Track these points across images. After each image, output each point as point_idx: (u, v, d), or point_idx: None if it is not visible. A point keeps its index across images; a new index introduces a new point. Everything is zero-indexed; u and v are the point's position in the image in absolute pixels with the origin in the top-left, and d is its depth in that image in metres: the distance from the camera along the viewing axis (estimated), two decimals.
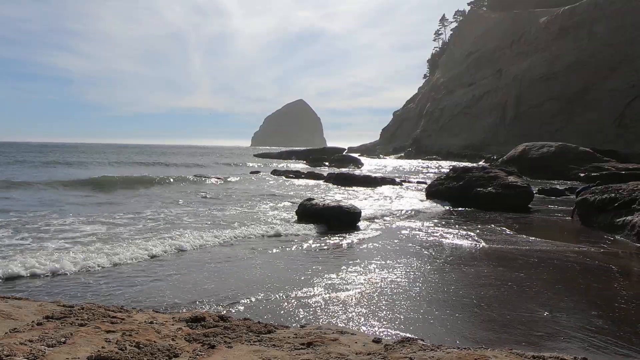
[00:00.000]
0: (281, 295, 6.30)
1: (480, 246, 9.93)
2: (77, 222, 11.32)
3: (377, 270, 7.69)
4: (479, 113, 68.20)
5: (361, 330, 4.94)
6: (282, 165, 48.82)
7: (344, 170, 36.44)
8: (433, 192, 19.36)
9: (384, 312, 5.68)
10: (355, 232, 11.34)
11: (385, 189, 23.93)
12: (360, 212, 12.73)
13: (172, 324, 3.45)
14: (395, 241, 10.33)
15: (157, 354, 2.72)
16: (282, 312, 5.61)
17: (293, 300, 6.07)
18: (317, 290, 6.51)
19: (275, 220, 12.81)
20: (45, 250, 8.15)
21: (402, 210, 15.43)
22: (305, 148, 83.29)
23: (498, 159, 41.23)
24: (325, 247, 9.56)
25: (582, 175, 28.80)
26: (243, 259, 8.38)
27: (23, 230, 10.13)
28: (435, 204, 17.26)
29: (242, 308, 5.71)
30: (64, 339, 2.81)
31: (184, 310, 5.09)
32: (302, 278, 7.12)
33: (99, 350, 2.65)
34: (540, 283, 7.29)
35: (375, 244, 9.92)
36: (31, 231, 10.01)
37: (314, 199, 13.40)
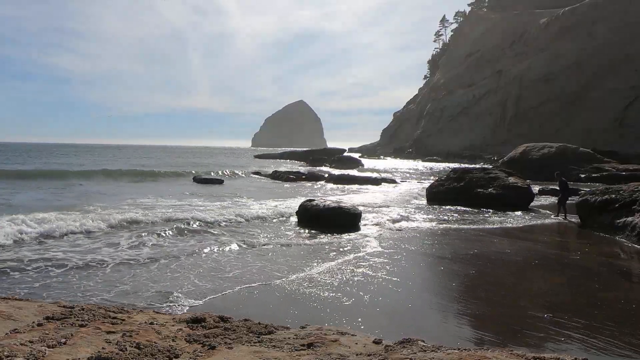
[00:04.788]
0: (281, 295, 6.30)
1: (480, 247, 9.92)
2: None
3: (377, 270, 7.67)
4: (479, 113, 68.23)
5: (362, 331, 4.93)
6: (283, 166, 48.80)
7: (344, 171, 36.45)
8: (434, 193, 19.33)
9: (385, 313, 5.68)
10: (356, 233, 11.33)
11: (386, 190, 23.93)
12: (360, 213, 12.73)
13: (173, 325, 3.46)
14: (395, 242, 10.32)
15: (158, 355, 2.73)
16: (281, 312, 5.60)
17: (293, 301, 6.07)
18: (317, 290, 6.51)
19: (275, 220, 12.79)
20: None
21: (401, 210, 15.42)
22: (305, 149, 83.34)
23: (498, 160, 41.22)
24: (325, 248, 9.55)
25: (582, 176, 28.79)
26: (240, 258, 8.37)
27: None
28: (435, 205, 17.26)
29: (242, 308, 5.70)
30: (64, 340, 2.81)
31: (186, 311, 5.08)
32: (301, 277, 7.11)
33: (99, 351, 2.65)
34: (541, 284, 7.29)
35: (375, 245, 9.90)
36: None
37: (314, 200, 13.39)
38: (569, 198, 15.28)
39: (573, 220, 14.00)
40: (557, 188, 15.65)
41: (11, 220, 9.85)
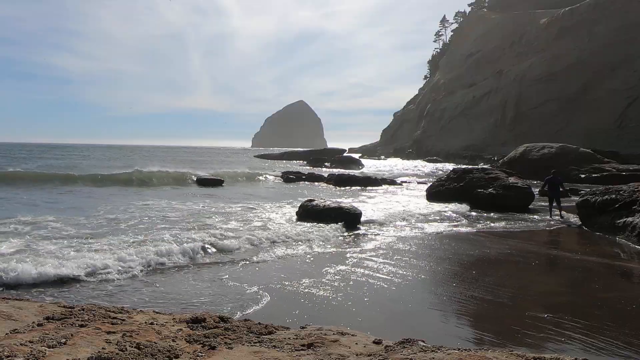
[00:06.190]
0: (280, 296, 6.29)
1: (480, 248, 9.92)
2: None
3: (377, 271, 7.67)
4: (479, 114, 68.20)
5: (362, 331, 4.93)
6: (283, 166, 48.83)
7: (344, 171, 36.43)
8: (434, 193, 19.35)
9: (385, 313, 5.68)
10: (355, 233, 11.33)
11: (386, 190, 23.93)
12: (360, 213, 12.73)
13: (173, 325, 3.46)
14: (395, 242, 10.32)
15: (158, 355, 2.73)
16: (281, 312, 5.60)
17: (293, 301, 6.07)
18: (318, 291, 6.51)
19: (276, 221, 12.79)
20: None
21: (402, 211, 15.41)
22: (305, 149, 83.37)
23: (498, 160, 41.18)
24: (325, 248, 9.55)
25: (582, 176, 28.77)
26: (238, 262, 8.38)
27: None
28: (435, 205, 17.25)
29: (242, 308, 5.70)
30: (64, 340, 2.81)
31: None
32: (302, 279, 7.12)
33: (99, 351, 2.65)
34: (541, 284, 7.29)
35: (375, 245, 9.91)
36: None
37: (314, 200, 13.40)
38: (556, 200, 14.77)
39: (555, 216, 14.04)
40: (559, 189, 15.20)
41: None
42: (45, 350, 2.60)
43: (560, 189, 15.21)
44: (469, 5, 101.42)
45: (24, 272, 6.43)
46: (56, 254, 7.63)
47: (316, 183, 28.02)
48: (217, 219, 12.53)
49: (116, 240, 9.11)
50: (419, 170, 47.31)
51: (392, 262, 8.31)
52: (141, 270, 7.22)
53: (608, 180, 25.19)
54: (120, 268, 7.09)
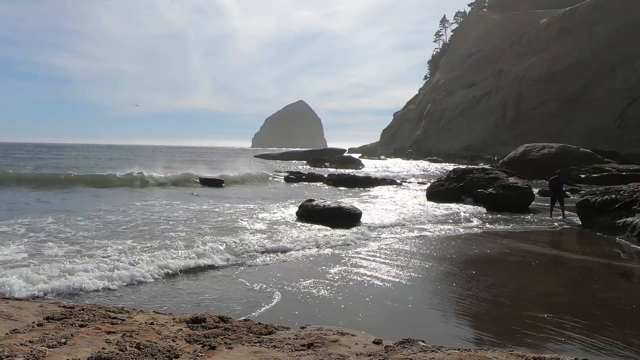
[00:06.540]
0: (281, 296, 6.29)
1: (480, 248, 9.92)
2: None
3: (377, 271, 7.68)
4: (479, 114, 68.23)
5: (362, 331, 4.93)
6: (283, 166, 48.83)
7: (344, 171, 36.42)
8: (434, 193, 19.36)
9: (385, 313, 5.68)
10: (356, 233, 11.31)
11: (386, 190, 23.92)
12: (360, 213, 12.73)
13: (173, 325, 3.45)
14: (395, 242, 10.32)
15: (158, 355, 2.72)
16: (281, 312, 5.60)
17: (293, 302, 6.07)
18: (318, 291, 6.51)
19: (276, 221, 12.79)
20: None
21: (402, 211, 15.42)
22: (305, 149, 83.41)
23: (498, 160, 41.18)
24: (325, 248, 9.54)
25: (582, 176, 28.77)
26: (239, 264, 8.38)
27: None
28: (435, 205, 17.26)
29: (243, 309, 5.71)
30: (64, 340, 2.81)
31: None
32: (302, 279, 7.12)
33: (99, 351, 2.65)
34: (541, 284, 7.29)
35: (375, 245, 9.91)
36: None
37: (314, 200, 13.40)
38: (559, 200, 14.65)
39: (558, 216, 14.05)
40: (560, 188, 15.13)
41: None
42: (45, 350, 2.60)
43: (563, 189, 15.21)
44: (469, 5, 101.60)
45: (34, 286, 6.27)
46: (65, 261, 7.45)
47: (316, 183, 28.02)
48: (219, 219, 12.53)
49: (120, 243, 9.08)
50: (419, 170, 47.31)
51: (392, 262, 8.31)
52: (146, 272, 7.19)
53: (608, 180, 25.19)
54: (125, 273, 7.01)
